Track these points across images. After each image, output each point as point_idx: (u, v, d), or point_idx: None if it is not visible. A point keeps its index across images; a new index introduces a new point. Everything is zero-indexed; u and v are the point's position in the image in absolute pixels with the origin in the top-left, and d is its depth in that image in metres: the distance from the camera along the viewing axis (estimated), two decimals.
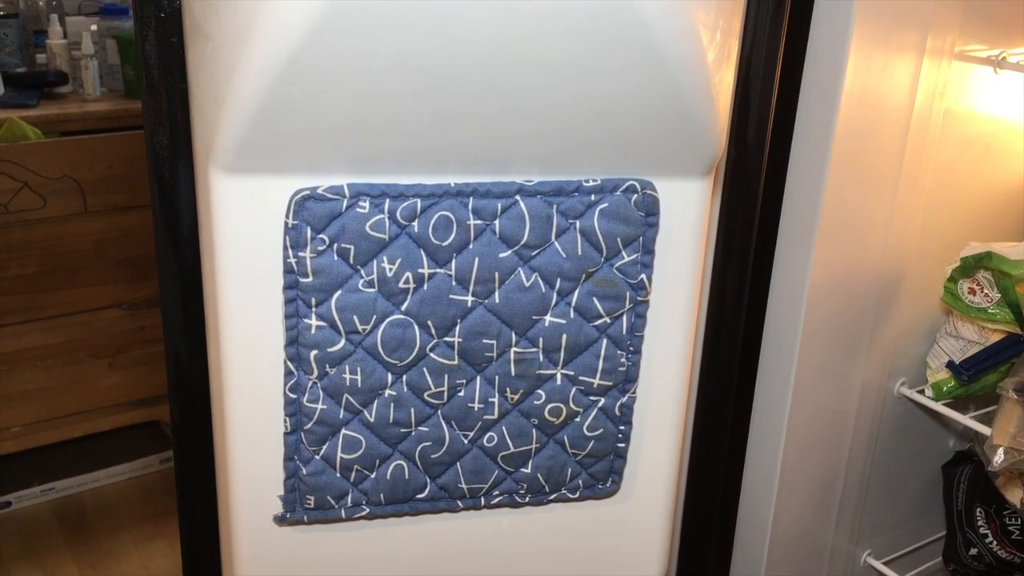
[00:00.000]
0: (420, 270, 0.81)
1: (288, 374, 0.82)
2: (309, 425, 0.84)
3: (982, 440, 1.21)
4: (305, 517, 0.87)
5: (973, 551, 1.27)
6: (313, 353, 0.81)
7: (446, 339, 0.83)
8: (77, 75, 2.08)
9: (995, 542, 1.25)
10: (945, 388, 1.19)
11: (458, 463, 0.88)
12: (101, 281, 1.89)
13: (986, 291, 1.14)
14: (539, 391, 0.87)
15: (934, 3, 1.02)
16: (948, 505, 1.32)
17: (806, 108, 1.02)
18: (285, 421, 0.84)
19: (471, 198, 0.80)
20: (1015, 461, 1.06)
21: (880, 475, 1.27)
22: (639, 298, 0.86)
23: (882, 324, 1.17)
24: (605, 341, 0.86)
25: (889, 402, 1.23)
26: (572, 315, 0.85)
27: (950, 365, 1.17)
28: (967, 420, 1.18)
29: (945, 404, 1.20)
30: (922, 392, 1.22)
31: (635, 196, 0.82)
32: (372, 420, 0.85)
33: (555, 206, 0.81)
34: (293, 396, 0.83)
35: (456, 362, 0.84)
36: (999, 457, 1.06)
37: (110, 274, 1.89)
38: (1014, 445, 1.05)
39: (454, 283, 0.82)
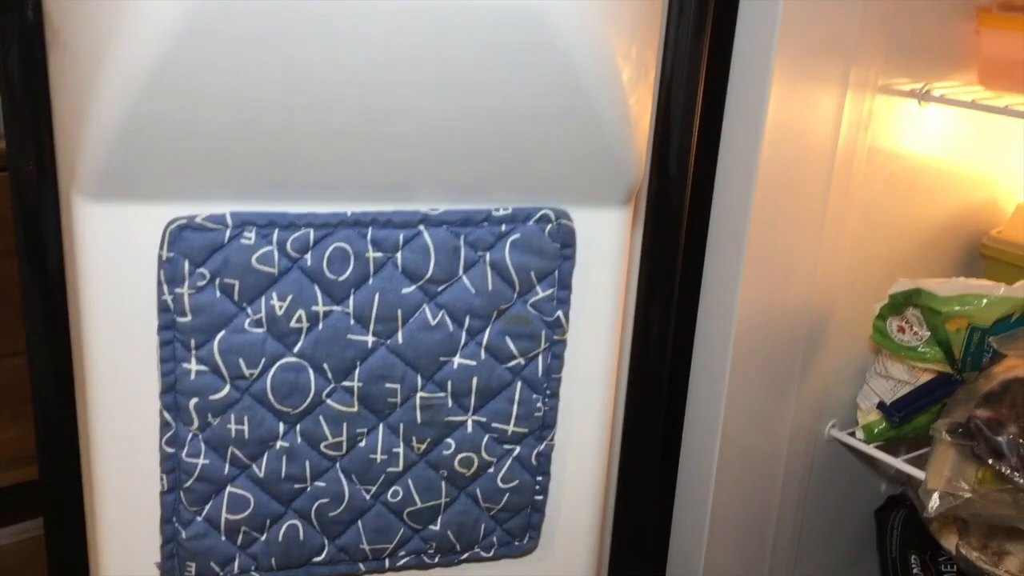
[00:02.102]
0: (314, 308, 0.73)
1: (165, 425, 0.73)
2: (189, 483, 0.75)
3: (915, 484, 1.17)
4: None
5: None
6: (193, 401, 0.73)
7: (344, 384, 0.76)
8: None
9: None
10: (876, 430, 1.15)
11: (359, 521, 0.80)
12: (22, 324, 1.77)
13: (915, 329, 1.11)
14: (448, 440, 0.80)
15: (857, 34, 1.00)
16: (882, 552, 1.28)
17: (729, 138, 0.98)
18: (162, 478, 0.75)
19: (370, 228, 0.73)
20: (951, 506, 1.01)
21: (812, 521, 1.23)
22: (555, 337, 0.79)
23: (811, 364, 1.13)
24: (519, 384, 0.80)
25: (819, 445, 1.19)
26: (483, 356, 0.78)
27: (881, 406, 1.14)
28: (899, 463, 1.14)
29: (876, 447, 1.16)
30: (853, 434, 1.18)
31: (549, 226, 0.76)
32: (262, 475, 0.76)
33: (463, 237, 0.75)
34: (170, 450, 0.74)
35: (356, 409, 0.77)
36: (934, 502, 1.02)
37: (8, 321, 1.78)
38: (949, 489, 1.01)
39: (352, 322, 0.74)
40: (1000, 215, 1.23)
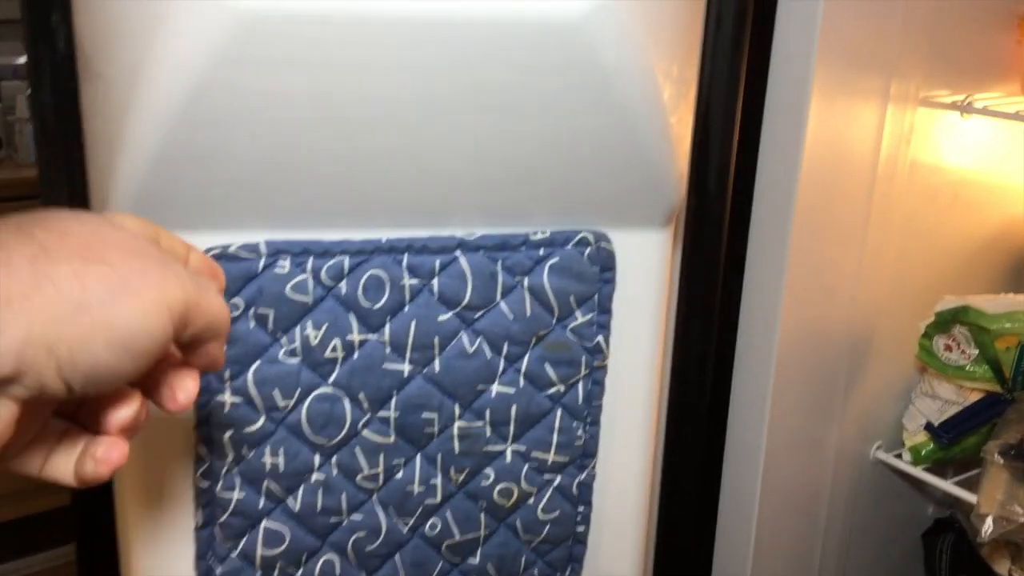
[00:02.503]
0: (349, 337, 0.71)
1: (198, 459, 0.72)
2: (224, 517, 0.73)
3: (964, 507, 1.14)
4: None
5: None
6: (227, 434, 0.71)
7: (380, 414, 0.74)
8: (11, 140, 2.00)
9: None
10: (923, 452, 1.12)
11: (397, 555, 0.78)
12: None
13: (963, 347, 1.07)
14: (487, 470, 0.78)
15: (897, 46, 0.97)
16: None
17: (768, 154, 0.96)
18: (196, 514, 0.73)
19: (405, 255, 0.71)
20: (1005, 530, 0.98)
21: (858, 546, 1.19)
22: (596, 363, 0.77)
23: (855, 384, 1.10)
24: (559, 412, 0.77)
25: (865, 468, 1.16)
26: (522, 383, 0.76)
27: (928, 427, 1.10)
28: (948, 486, 1.10)
29: (924, 469, 1.12)
30: (899, 456, 1.14)
31: (588, 249, 0.74)
32: (297, 509, 0.74)
33: (500, 262, 0.73)
34: (205, 484, 0.72)
35: (392, 440, 0.75)
36: (988, 527, 0.99)
37: None
38: (1003, 514, 0.98)
39: (388, 350, 0.72)
40: None
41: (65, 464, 0.47)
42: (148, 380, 0.47)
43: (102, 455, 0.45)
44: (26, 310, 0.38)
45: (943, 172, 1.08)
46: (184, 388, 0.48)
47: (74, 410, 0.48)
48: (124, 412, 0.46)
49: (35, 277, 0.39)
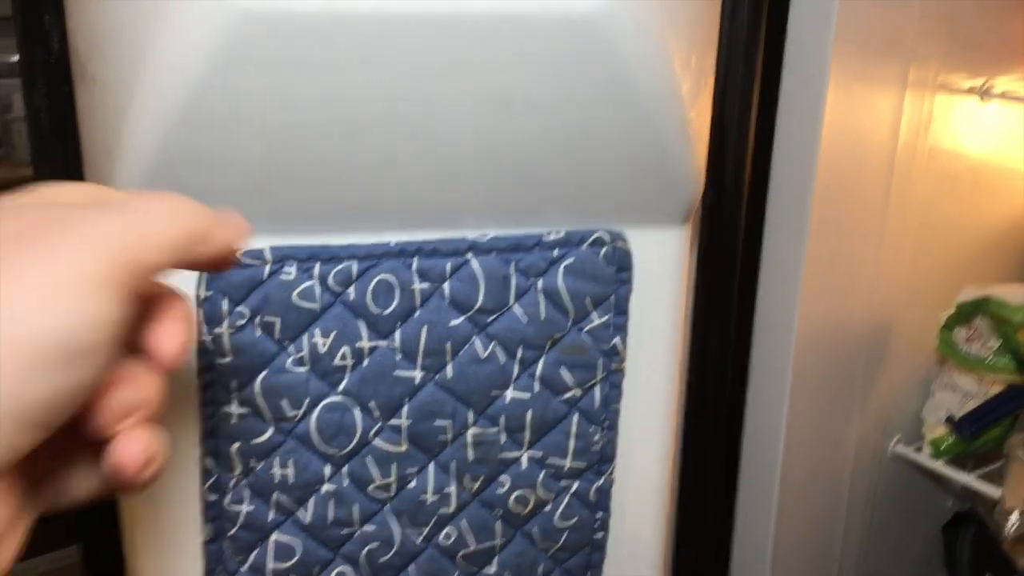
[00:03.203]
0: (359, 344, 0.69)
1: (205, 472, 0.70)
2: (233, 531, 0.71)
3: (985, 500, 1.12)
4: None
5: None
6: (235, 446, 0.69)
7: (392, 422, 0.72)
8: (9, 139, 1.97)
9: None
10: (944, 445, 1.10)
11: (411, 566, 0.76)
12: None
13: (984, 339, 1.05)
14: (502, 477, 0.75)
15: (915, 32, 0.94)
16: (951, 571, 1.22)
17: (784, 145, 0.93)
18: (204, 527, 0.71)
19: (415, 258, 0.69)
20: None
21: (879, 541, 1.17)
22: (613, 366, 0.75)
23: (874, 378, 1.07)
24: (576, 416, 0.75)
25: (884, 462, 1.14)
26: (537, 388, 0.74)
27: (950, 420, 1.08)
28: (971, 480, 1.08)
29: (945, 462, 1.10)
30: (919, 450, 1.12)
31: (604, 249, 0.72)
32: (308, 521, 0.72)
33: (513, 264, 0.70)
34: (213, 498, 0.70)
35: (405, 448, 0.73)
36: (1014, 522, 0.97)
37: None
38: None
39: (399, 357, 0.70)
40: None
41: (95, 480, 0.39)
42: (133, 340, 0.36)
43: (116, 462, 0.36)
44: None
45: (963, 159, 1.06)
46: (171, 336, 0.37)
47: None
48: (115, 403, 0.35)
49: None
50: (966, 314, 1.04)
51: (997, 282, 1.08)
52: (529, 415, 0.74)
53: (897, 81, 0.95)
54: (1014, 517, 0.97)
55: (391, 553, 0.75)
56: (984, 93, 1.03)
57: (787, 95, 0.92)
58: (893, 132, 0.97)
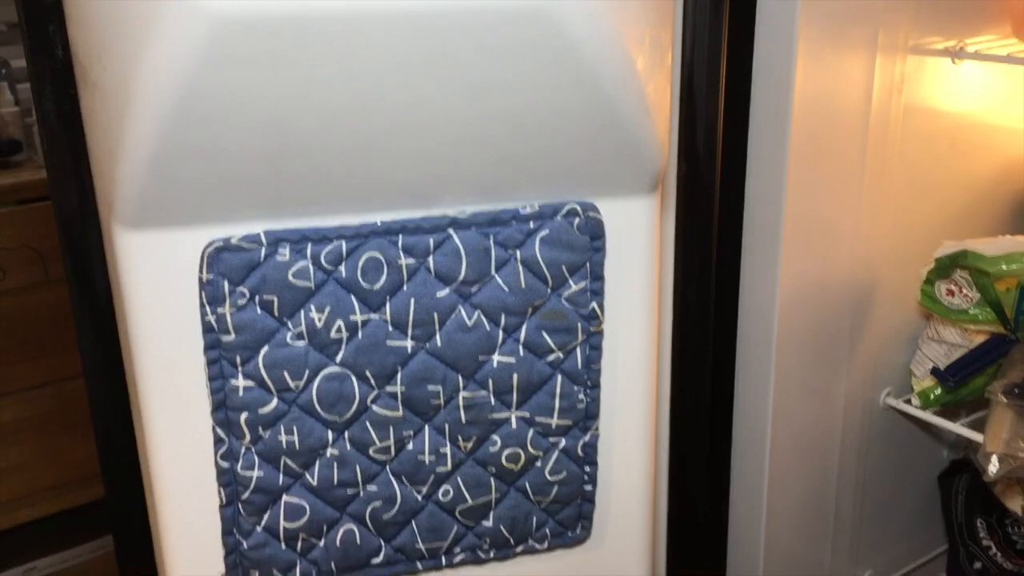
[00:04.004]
0: (352, 317, 0.75)
1: (218, 441, 0.76)
2: (246, 495, 0.77)
3: (977, 448, 1.15)
4: None
5: (977, 564, 1.20)
6: (243, 416, 0.75)
7: (388, 389, 0.77)
8: (31, 142, 2.04)
9: (999, 554, 1.19)
10: (932, 396, 1.13)
11: (413, 522, 0.82)
12: (68, 350, 1.83)
13: (965, 291, 1.08)
14: (494, 437, 0.81)
15: None
16: (948, 518, 1.26)
17: (758, 114, 0.97)
18: (220, 492, 0.77)
19: (400, 236, 0.74)
20: (1011, 468, 1.00)
21: (874, 491, 1.21)
22: (592, 329, 0.80)
23: (860, 334, 1.11)
24: (560, 377, 0.80)
25: (875, 414, 1.17)
26: (522, 352, 0.79)
27: (935, 372, 1.12)
28: (958, 428, 1.12)
29: (934, 412, 1.14)
30: (909, 402, 1.16)
31: (577, 220, 0.77)
32: (315, 483, 0.78)
33: (492, 237, 0.75)
34: (226, 465, 0.76)
35: (401, 413, 0.78)
36: (994, 465, 1.00)
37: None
38: (1009, 451, 0.99)
39: (391, 328, 0.76)
40: None
41: None
42: None
43: None
44: None
45: (939, 119, 1.08)
46: None
47: None
48: None
49: None
50: (945, 268, 1.08)
51: (977, 237, 1.11)
52: (515, 378, 0.79)
53: (867, 45, 0.98)
54: (994, 460, 1.01)
55: (394, 510, 0.80)
56: (957, 54, 1.06)
57: (759, 64, 0.96)
58: (866, 94, 1.00)
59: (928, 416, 1.14)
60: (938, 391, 1.13)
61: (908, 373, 1.18)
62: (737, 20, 0.92)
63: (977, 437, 1.08)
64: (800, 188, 0.98)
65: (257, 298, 0.72)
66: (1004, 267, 1.03)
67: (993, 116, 1.13)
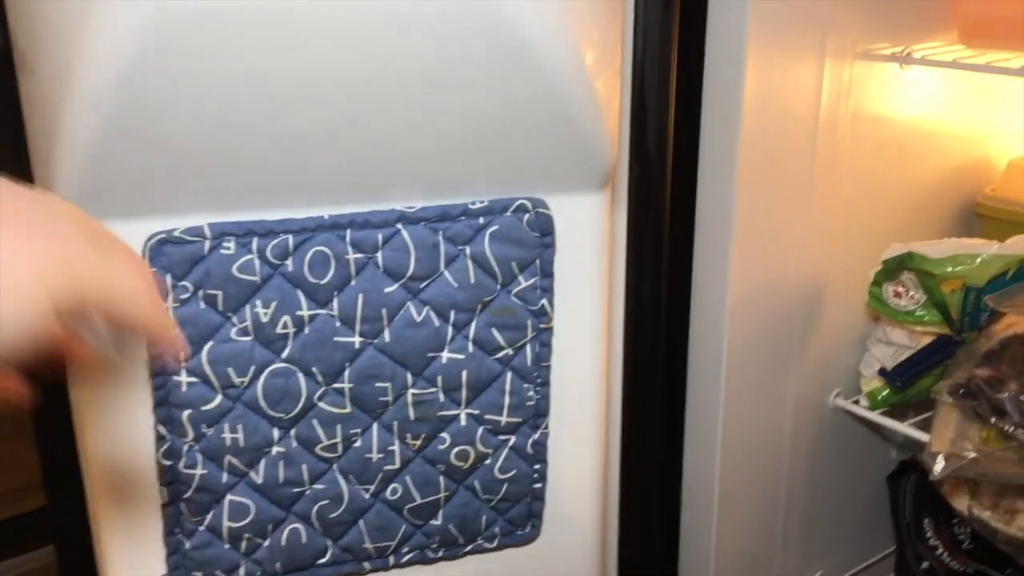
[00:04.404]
0: (299, 312, 0.74)
1: (160, 439, 0.74)
2: (189, 493, 0.76)
3: (923, 448, 1.17)
4: None
5: (924, 564, 1.22)
6: (186, 413, 0.74)
7: (335, 386, 0.76)
8: None
9: (946, 552, 1.20)
10: (880, 396, 1.15)
11: (361, 521, 0.81)
12: None
13: (912, 293, 1.10)
14: (443, 434, 0.80)
15: (832, 2, 0.99)
16: (896, 518, 1.27)
17: (709, 116, 0.98)
18: (162, 491, 0.76)
19: (348, 230, 0.73)
20: (956, 468, 1.01)
21: (823, 492, 1.22)
22: (542, 325, 0.80)
23: (810, 335, 1.12)
24: (510, 375, 0.80)
25: (825, 416, 1.18)
26: (471, 349, 0.78)
27: (882, 372, 1.13)
28: (905, 428, 1.13)
29: (882, 413, 1.15)
30: (857, 403, 1.17)
31: (527, 216, 0.76)
32: (260, 482, 0.77)
33: (441, 232, 0.75)
34: (168, 463, 0.75)
35: (348, 410, 0.77)
36: (939, 465, 1.02)
37: None
38: (954, 451, 1.01)
39: (338, 324, 0.75)
40: (992, 173, 1.22)
41: None
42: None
43: None
44: None
45: (887, 124, 1.10)
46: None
47: None
48: None
49: None
50: (892, 270, 1.09)
51: (928, 239, 1.13)
52: (465, 375, 0.79)
53: (816, 50, 0.99)
54: (940, 460, 1.02)
55: (341, 509, 0.79)
56: (904, 60, 1.07)
57: (710, 66, 0.96)
58: (815, 99, 1.02)
59: (876, 417, 1.15)
60: (886, 392, 1.14)
61: (857, 374, 1.19)
62: (688, 22, 0.93)
63: (924, 437, 1.09)
64: (750, 190, 0.99)
65: (201, 292, 0.71)
66: (949, 269, 1.05)
67: (940, 122, 1.15)
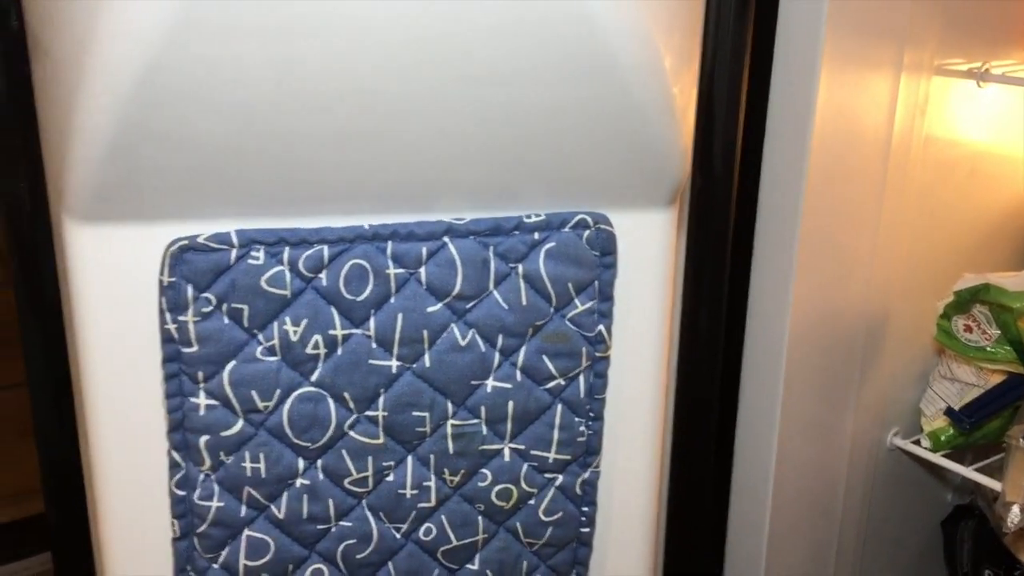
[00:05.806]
0: (332, 331, 0.67)
1: (174, 466, 0.67)
2: (203, 528, 0.68)
3: (985, 494, 1.09)
4: None
5: None
6: (203, 439, 0.66)
7: (368, 413, 0.69)
8: None
9: None
10: (943, 437, 1.07)
11: (390, 563, 0.73)
12: (22, 355, 1.75)
13: (983, 328, 1.02)
14: (484, 470, 0.73)
15: (909, 13, 0.92)
16: (951, 566, 1.19)
17: (776, 129, 0.91)
18: (173, 524, 0.68)
19: (390, 242, 0.66)
20: None
21: (876, 535, 1.15)
22: (598, 354, 0.72)
23: (870, 368, 1.05)
24: (560, 407, 0.73)
25: (882, 455, 1.11)
26: (519, 378, 0.71)
27: (949, 412, 1.05)
28: (970, 473, 1.06)
29: (944, 455, 1.08)
30: (918, 443, 1.10)
31: (587, 232, 0.69)
32: (282, 517, 0.70)
33: (492, 248, 0.68)
34: (181, 493, 0.68)
35: (381, 441, 0.70)
36: (1015, 516, 0.94)
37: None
38: None
39: (374, 345, 0.68)
40: None
41: None
42: None
43: None
44: None
45: (960, 144, 1.03)
46: None
47: None
48: None
49: None
50: (964, 302, 1.02)
51: (996, 270, 1.05)
52: (511, 406, 0.71)
53: (892, 63, 0.93)
54: (1015, 510, 0.94)
55: (369, 549, 0.72)
56: (982, 76, 1.00)
57: (779, 79, 0.90)
58: (889, 116, 0.95)
59: (938, 459, 1.08)
60: (950, 432, 1.07)
61: (916, 412, 1.12)
62: (758, 32, 0.86)
63: (990, 483, 1.02)
64: (816, 211, 0.92)
65: (224, 306, 0.64)
66: None
67: (1015, 144, 1.08)
